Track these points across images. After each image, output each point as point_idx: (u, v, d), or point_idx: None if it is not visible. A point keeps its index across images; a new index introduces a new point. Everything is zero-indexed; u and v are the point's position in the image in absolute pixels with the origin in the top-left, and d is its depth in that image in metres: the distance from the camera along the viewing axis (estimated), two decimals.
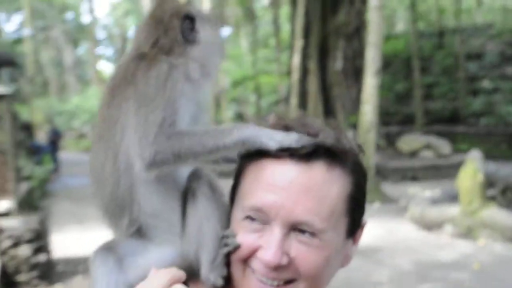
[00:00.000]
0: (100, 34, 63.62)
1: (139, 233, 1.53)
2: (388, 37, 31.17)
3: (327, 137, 1.38)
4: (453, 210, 12.80)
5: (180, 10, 1.62)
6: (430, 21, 38.66)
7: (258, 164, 1.41)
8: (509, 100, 28.07)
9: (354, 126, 20.13)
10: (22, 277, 9.39)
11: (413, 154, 25.53)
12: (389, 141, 26.81)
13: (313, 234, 1.35)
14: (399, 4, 41.93)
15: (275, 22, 38.18)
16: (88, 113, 41.35)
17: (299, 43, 27.89)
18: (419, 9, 35.23)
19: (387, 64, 27.78)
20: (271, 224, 1.36)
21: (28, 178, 15.02)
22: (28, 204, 11.80)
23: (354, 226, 1.46)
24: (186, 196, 1.53)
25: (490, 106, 28.62)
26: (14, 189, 10.10)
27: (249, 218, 1.38)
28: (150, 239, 1.53)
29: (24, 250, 9.39)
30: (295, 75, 28.26)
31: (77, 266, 10.15)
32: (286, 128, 1.42)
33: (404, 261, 10.94)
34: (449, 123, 29.76)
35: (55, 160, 27.21)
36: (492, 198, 13.02)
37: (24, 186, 12.75)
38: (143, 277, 1.22)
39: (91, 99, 42.47)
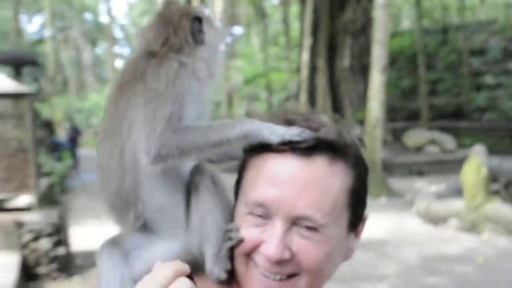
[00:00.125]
0: (118, 33, 64.35)
1: (145, 227, 1.55)
2: (394, 35, 31.02)
3: (329, 131, 1.38)
4: (457, 205, 12.83)
5: (189, 11, 1.64)
6: (434, 19, 38.73)
7: (260, 158, 1.41)
8: None
9: (362, 122, 20.25)
10: (42, 270, 9.60)
11: (419, 149, 25.50)
12: (395, 136, 26.79)
13: (315, 228, 1.35)
14: (404, 1, 41.93)
15: (285, 20, 38.29)
16: None
17: (308, 41, 28.01)
18: (424, 6, 35.14)
19: (393, 61, 27.80)
20: (273, 219, 1.35)
21: (48, 174, 15.20)
22: (48, 199, 11.92)
23: (356, 220, 1.46)
24: (189, 190, 1.55)
25: (493, 101, 28.62)
26: (35, 185, 10.18)
27: (252, 213, 1.39)
28: (155, 233, 1.55)
29: (44, 244, 9.58)
30: (304, 72, 28.38)
31: (95, 259, 10.43)
32: (289, 122, 1.42)
33: (410, 254, 11.00)
34: (453, 118, 29.73)
35: (74, 156, 27.48)
36: (496, 193, 13.04)
37: (44, 182, 12.92)
38: (148, 271, 1.22)
39: None
